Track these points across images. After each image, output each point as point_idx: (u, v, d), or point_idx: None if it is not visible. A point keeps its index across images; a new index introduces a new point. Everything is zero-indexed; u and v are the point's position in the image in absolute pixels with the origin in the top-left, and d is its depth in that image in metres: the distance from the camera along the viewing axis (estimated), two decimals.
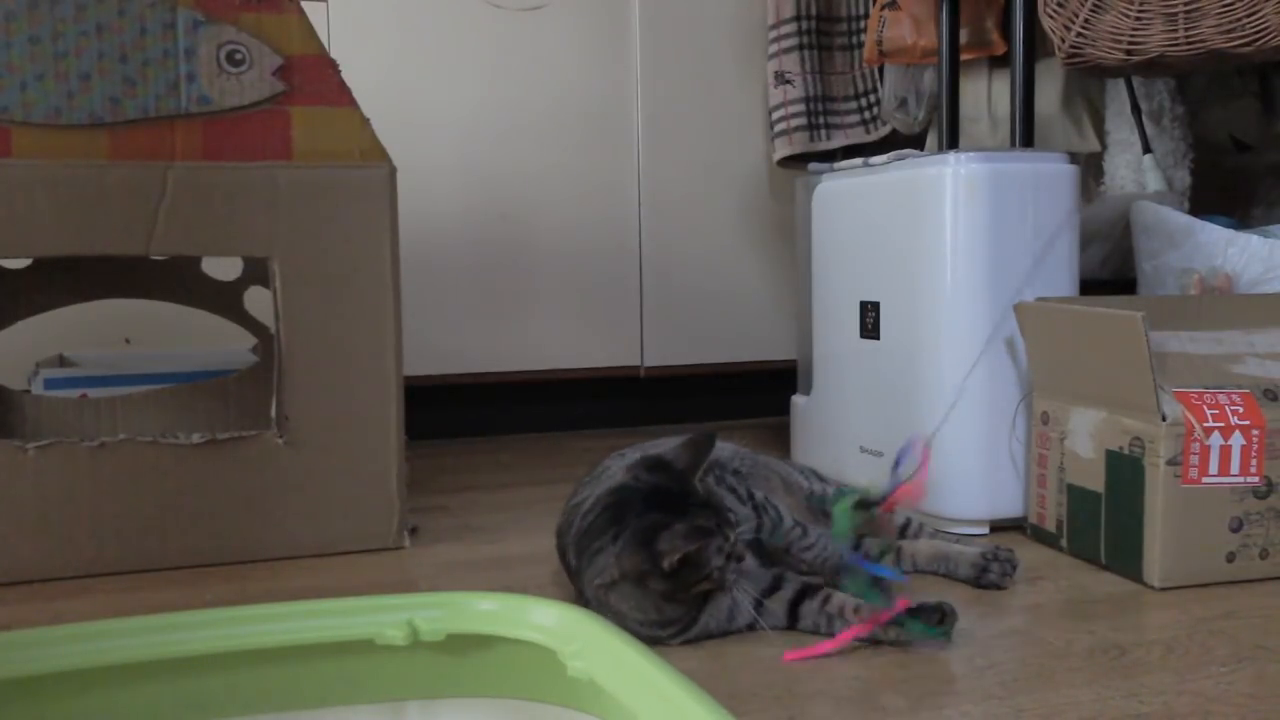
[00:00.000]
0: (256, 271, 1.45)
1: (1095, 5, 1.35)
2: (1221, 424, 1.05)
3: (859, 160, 1.46)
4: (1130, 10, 1.32)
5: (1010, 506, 1.27)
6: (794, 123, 1.92)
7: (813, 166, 1.58)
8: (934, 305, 1.29)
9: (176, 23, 1.14)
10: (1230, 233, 1.38)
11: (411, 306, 1.41)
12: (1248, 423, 1.05)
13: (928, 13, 1.65)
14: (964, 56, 1.64)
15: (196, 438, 1.17)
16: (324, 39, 1.27)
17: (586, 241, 1.92)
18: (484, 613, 0.71)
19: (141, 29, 1.13)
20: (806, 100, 1.93)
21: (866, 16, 1.89)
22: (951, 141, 1.60)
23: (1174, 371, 1.09)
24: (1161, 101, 1.64)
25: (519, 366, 1.91)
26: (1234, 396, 1.07)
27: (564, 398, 2.02)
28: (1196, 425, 1.04)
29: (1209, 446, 1.05)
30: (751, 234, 2.01)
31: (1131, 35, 1.32)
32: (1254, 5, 1.22)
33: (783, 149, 1.93)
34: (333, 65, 1.19)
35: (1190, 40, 1.27)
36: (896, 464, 1.05)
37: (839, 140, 1.95)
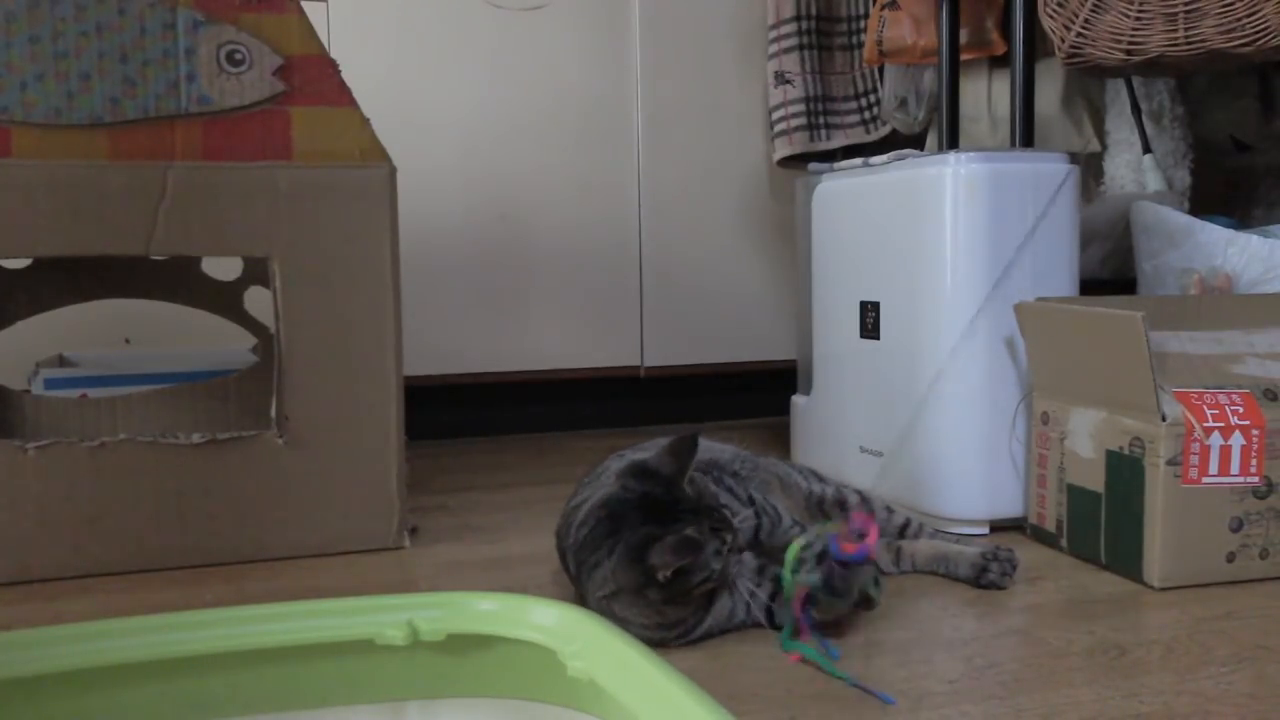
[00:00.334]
0: (256, 271, 1.45)
1: (1095, 5, 1.35)
2: (1221, 424, 1.05)
3: (859, 160, 1.46)
4: (1130, 10, 1.32)
5: (1010, 506, 1.27)
6: (794, 123, 1.92)
7: (813, 166, 1.57)
8: (934, 305, 1.29)
9: (176, 23, 1.14)
10: (1230, 233, 1.38)
11: (411, 306, 1.41)
12: (1248, 423, 1.05)
13: (928, 13, 1.65)
14: (964, 56, 1.64)
15: (197, 438, 1.17)
16: (324, 39, 1.27)
17: (586, 241, 1.92)
18: (484, 613, 0.71)
19: (141, 29, 1.13)
20: (806, 100, 1.93)
21: (866, 16, 1.89)
22: (951, 141, 1.60)
23: (1174, 371, 1.08)
24: (1161, 101, 1.64)
25: (519, 366, 1.91)
26: (1234, 396, 1.07)
27: (564, 398, 2.02)
28: (1196, 425, 1.04)
29: (1209, 446, 1.04)
30: (751, 234, 2.01)
31: (1131, 35, 1.32)
32: (1254, 5, 1.22)
33: (783, 149, 1.93)
34: (333, 65, 1.19)
35: (1190, 40, 1.27)
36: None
37: (839, 140, 1.95)
